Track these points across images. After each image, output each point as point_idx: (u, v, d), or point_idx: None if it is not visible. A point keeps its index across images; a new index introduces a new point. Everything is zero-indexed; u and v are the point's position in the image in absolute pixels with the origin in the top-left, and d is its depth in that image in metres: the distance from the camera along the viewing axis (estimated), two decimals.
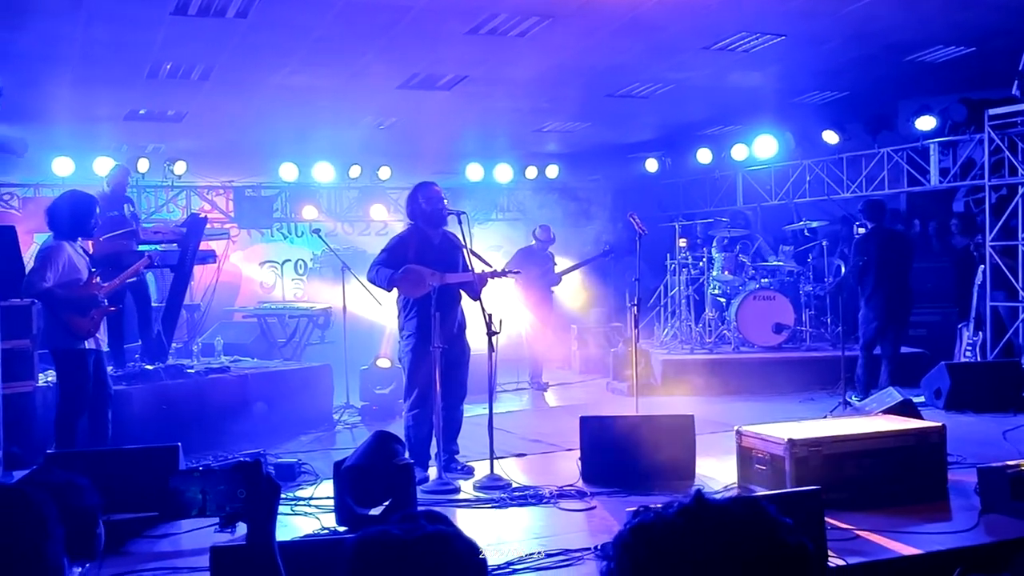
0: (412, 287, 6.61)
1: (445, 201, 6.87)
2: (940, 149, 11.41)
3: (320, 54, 9.27)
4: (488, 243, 13.05)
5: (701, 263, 12.22)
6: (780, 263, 11.95)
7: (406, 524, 1.81)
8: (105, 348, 6.96)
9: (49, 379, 7.44)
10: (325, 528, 5.35)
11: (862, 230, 9.88)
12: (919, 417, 6.65)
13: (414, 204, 6.88)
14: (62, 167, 12.24)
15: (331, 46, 9.03)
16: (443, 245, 6.84)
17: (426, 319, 6.50)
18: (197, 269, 9.53)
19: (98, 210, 7.02)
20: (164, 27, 8.18)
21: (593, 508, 5.77)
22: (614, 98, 11.74)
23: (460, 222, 6.53)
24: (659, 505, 2.04)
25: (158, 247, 8.86)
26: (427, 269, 6.57)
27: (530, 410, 10.19)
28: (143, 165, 12.39)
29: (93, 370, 6.64)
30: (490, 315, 6.30)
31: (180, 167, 12.90)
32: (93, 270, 6.79)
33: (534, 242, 11.88)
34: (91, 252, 7.35)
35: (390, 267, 6.65)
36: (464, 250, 6.62)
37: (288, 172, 13.83)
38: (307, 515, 5.67)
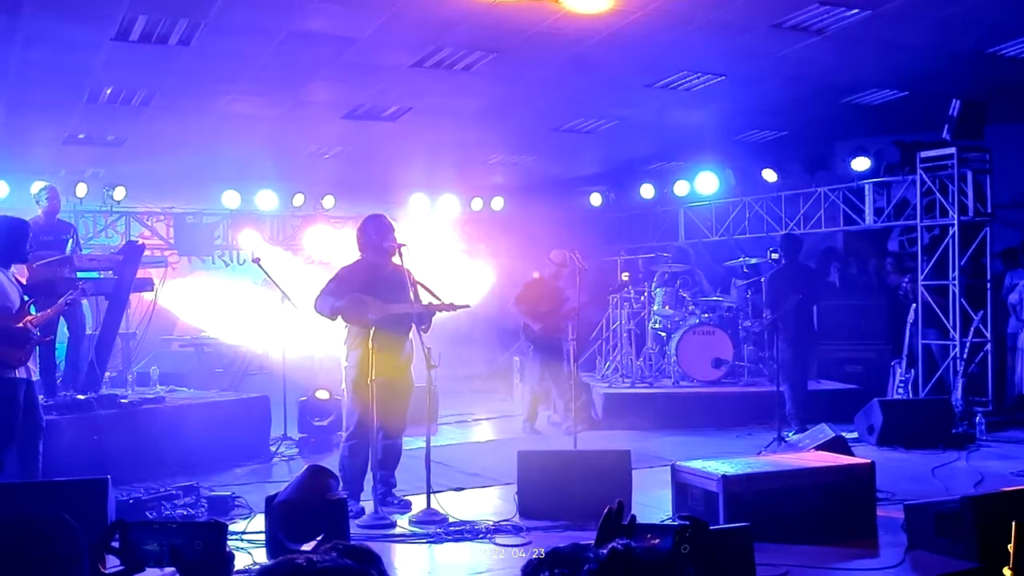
0: (355, 316, 6.58)
1: (395, 233, 6.85)
2: (875, 189, 11.68)
3: (263, 83, 9.25)
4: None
5: (643, 297, 12.33)
6: (720, 299, 12.10)
7: (317, 555, 1.80)
8: (36, 377, 6.80)
9: None
10: (256, 563, 5.27)
11: (775, 255, 10.08)
12: (850, 453, 6.77)
13: (364, 236, 6.84)
14: None
15: (275, 75, 9.02)
16: (393, 277, 6.77)
17: (368, 350, 6.46)
18: (134, 297, 9.35)
19: (31, 235, 6.88)
20: (105, 52, 8.10)
21: (529, 543, 5.75)
22: (559, 132, 11.87)
23: (401, 254, 6.54)
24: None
25: (95, 274, 8.69)
26: (371, 299, 6.54)
27: (469, 443, 10.15)
28: (82, 190, 12.18)
29: (24, 400, 6.48)
30: (429, 348, 6.30)
31: (120, 192, 12.71)
32: (26, 298, 6.65)
33: (544, 270, 10.50)
34: (25, 280, 7.19)
35: (336, 297, 6.63)
36: (412, 282, 6.62)
37: (230, 199, 13.70)
38: (239, 550, 5.58)
